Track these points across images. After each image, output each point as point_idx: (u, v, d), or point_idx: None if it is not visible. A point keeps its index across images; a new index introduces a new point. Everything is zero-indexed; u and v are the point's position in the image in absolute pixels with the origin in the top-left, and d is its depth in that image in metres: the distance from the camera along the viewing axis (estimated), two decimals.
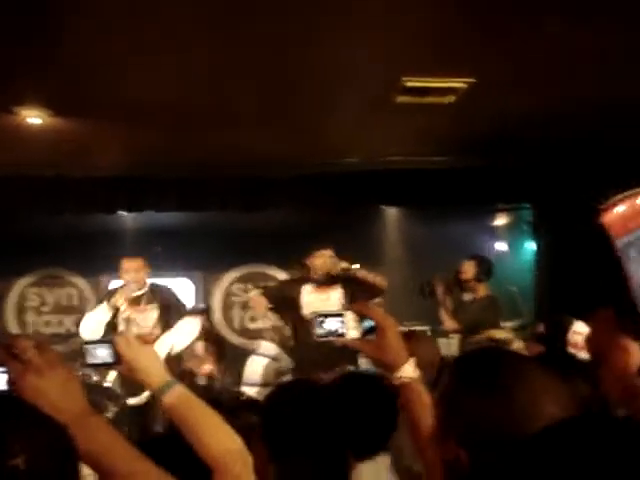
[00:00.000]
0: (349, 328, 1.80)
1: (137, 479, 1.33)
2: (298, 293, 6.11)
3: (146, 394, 5.43)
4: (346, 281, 5.92)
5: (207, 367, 7.11)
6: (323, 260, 6.00)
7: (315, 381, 3.25)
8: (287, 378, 6.19)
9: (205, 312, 7.45)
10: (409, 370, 1.77)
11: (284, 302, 6.15)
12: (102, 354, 1.78)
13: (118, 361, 1.74)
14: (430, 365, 3.40)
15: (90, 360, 1.80)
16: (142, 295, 5.97)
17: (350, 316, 1.80)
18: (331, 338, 1.81)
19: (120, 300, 5.83)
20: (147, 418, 5.62)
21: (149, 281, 6.18)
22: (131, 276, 5.93)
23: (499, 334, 5.55)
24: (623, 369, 2.42)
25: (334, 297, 5.90)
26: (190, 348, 6.87)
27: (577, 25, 4.17)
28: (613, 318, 2.52)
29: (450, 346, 7.10)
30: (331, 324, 1.80)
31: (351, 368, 5.44)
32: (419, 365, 2.93)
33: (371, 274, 5.99)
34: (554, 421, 1.29)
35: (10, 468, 0.96)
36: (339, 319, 1.80)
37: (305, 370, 5.69)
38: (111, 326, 5.81)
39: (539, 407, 1.31)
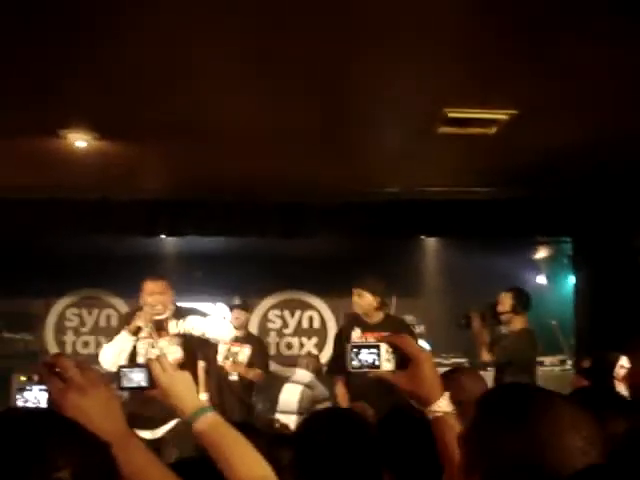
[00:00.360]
0: (384, 360, 1.77)
1: None
2: (349, 334, 6.01)
3: (162, 430, 5.22)
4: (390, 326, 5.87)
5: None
6: (361, 299, 5.91)
7: (350, 410, 3.24)
8: (323, 406, 6.18)
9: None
10: (443, 404, 1.76)
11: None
12: (137, 378, 1.79)
13: (153, 385, 1.75)
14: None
15: (125, 384, 1.81)
16: (166, 319, 5.41)
17: (385, 348, 1.78)
18: (365, 370, 1.78)
19: (141, 323, 5.34)
20: (159, 454, 5.51)
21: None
22: (155, 299, 5.36)
23: None
24: None
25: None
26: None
27: (617, 54, 4.14)
28: None
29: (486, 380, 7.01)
30: (365, 356, 1.78)
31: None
32: (466, 400, 2.89)
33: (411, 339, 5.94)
34: (580, 454, 1.28)
35: None
36: (374, 350, 1.77)
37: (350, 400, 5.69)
38: (133, 353, 5.37)
39: (563, 440, 1.31)
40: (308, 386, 7.91)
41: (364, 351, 1.78)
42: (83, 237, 7.91)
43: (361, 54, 4.19)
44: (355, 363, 1.78)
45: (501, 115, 5.14)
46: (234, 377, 7.11)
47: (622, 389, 3.50)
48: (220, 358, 6.99)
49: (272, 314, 10.06)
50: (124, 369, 1.82)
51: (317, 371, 8.06)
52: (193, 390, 1.76)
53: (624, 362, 3.56)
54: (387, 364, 1.77)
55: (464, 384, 2.68)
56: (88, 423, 1.27)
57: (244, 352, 7.18)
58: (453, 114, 5.08)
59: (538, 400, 1.41)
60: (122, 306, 9.73)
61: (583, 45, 4.05)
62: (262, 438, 2.63)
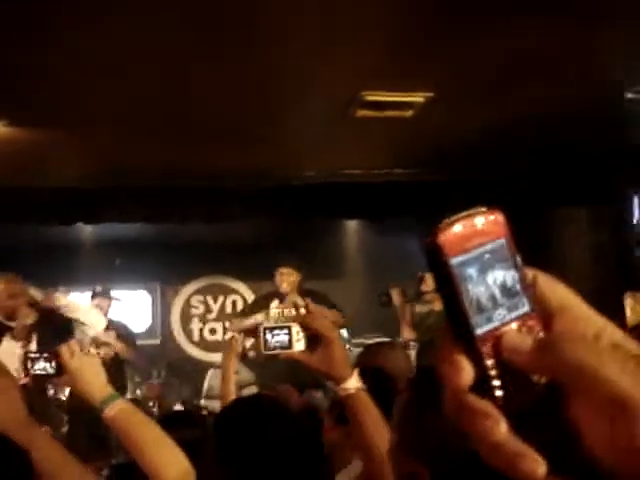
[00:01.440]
0: (295, 341, 1.78)
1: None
2: (268, 306, 6.22)
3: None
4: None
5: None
6: (286, 280, 6.10)
7: (274, 396, 3.25)
8: (248, 390, 6.19)
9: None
10: (354, 382, 1.77)
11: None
12: (43, 365, 1.74)
13: (60, 372, 1.70)
14: (404, 376, 3.41)
15: (34, 370, 1.76)
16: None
17: (295, 328, 1.79)
18: (278, 351, 1.79)
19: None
20: (106, 430, 5.51)
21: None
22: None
23: None
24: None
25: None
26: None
27: (525, 33, 4.23)
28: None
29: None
30: (278, 337, 1.79)
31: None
32: (393, 375, 2.93)
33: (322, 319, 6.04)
34: None
35: None
36: (285, 331, 1.78)
37: (266, 384, 5.71)
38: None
39: None
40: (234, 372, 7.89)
41: (276, 332, 1.79)
42: None
43: (279, 38, 4.18)
44: (268, 345, 1.79)
45: (417, 98, 5.21)
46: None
47: None
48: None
49: (195, 300, 10.00)
50: (31, 354, 1.76)
51: (241, 356, 8.04)
52: (102, 376, 1.72)
53: None
54: (298, 344, 1.78)
55: (390, 359, 2.72)
56: None
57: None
58: (370, 97, 5.12)
59: None
60: (38, 295, 9.51)
61: (496, 29, 4.13)
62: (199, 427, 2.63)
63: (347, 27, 4.07)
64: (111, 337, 6.91)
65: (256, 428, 2.01)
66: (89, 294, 7.22)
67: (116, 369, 6.83)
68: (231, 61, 4.50)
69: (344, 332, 7.92)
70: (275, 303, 6.20)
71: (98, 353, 6.76)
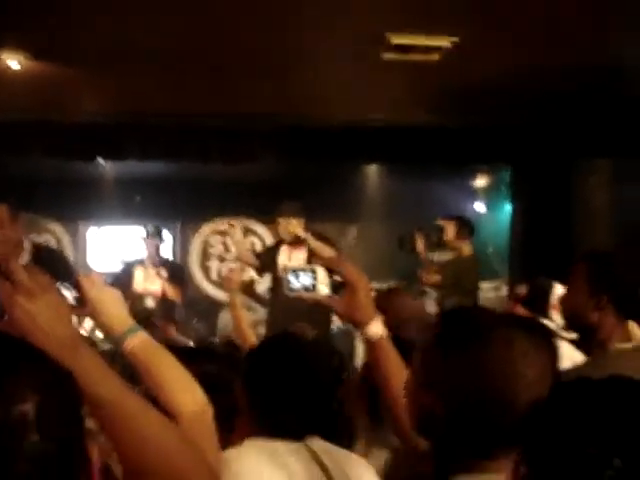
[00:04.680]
0: (320, 284, 1.78)
1: (123, 409, 1.30)
2: (277, 253, 6.34)
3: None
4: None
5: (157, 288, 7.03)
6: (284, 226, 6.22)
7: (292, 335, 3.29)
8: (261, 330, 6.25)
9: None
10: (377, 327, 1.78)
11: (270, 265, 6.33)
12: (65, 293, 1.67)
13: (80, 303, 1.67)
14: (415, 320, 3.43)
15: None
16: None
17: (321, 272, 1.79)
18: (302, 294, 1.80)
19: None
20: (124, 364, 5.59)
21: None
22: None
23: None
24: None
25: (300, 257, 6.14)
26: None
27: None
28: (586, 272, 2.56)
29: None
30: (302, 280, 1.79)
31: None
32: (400, 320, 2.96)
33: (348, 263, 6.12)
34: (526, 385, 1.33)
35: (18, 414, 0.92)
36: (310, 275, 1.78)
37: (280, 324, 5.77)
38: None
39: (517, 368, 1.33)
40: (248, 309, 7.95)
41: (301, 274, 1.79)
42: (17, 160, 7.71)
43: None
44: (292, 287, 1.80)
45: (444, 42, 5.13)
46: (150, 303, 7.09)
47: (557, 318, 3.61)
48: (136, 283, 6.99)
49: (213, 239, 10.05)
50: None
51: (257, 297, 8.10)
52: (123, 308, 1.69)
53: (559, 290, 3.65)
54: (323, 288, 1.79)
55: (397, 304, 2.74)
56: (37, 328, 1.24)
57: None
58: (396, 40, 5.05)
59: (496, 324, 1.42)
60: (61, 231, 9.61)
61: None
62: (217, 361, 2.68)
63: None
64: (163, 277, 6.98)
65: (284, 370, 2.06)
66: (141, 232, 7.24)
67: (165, 309, 6.96)
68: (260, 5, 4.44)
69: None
70: (284, 248, 6.32)
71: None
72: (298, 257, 6.18)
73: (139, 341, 1.64)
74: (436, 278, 6.68)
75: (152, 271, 7.02)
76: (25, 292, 1.28)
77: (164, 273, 7.01)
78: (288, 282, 1.80)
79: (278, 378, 2.06)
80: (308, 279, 1.78)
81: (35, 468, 0.91)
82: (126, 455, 1.30)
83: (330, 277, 1.79)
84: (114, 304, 1.68)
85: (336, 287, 1.79)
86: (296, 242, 6.22)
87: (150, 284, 7.04)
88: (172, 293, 7.01)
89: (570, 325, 2.84)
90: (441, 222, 6.87)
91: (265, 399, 2.05)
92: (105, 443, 1.13)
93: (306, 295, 1.81)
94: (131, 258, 7.37)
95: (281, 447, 1.96)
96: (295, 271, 1.80)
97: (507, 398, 1.32)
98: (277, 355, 2.15)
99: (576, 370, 2.64)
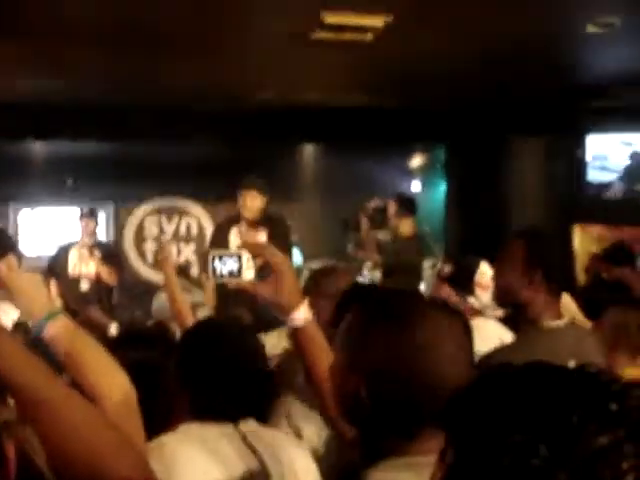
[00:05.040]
0: (245, 269, 1.76)
1: (46, 396, 1.26)
2: (228, 233, 5.96)
3: None
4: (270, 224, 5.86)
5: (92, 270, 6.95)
6: (252, 201, 5.79)
7: (228, 320, 3.29)
8: (201, 312, 6.22)
9: None
10: (303, 312, 1.76)
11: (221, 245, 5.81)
12: None
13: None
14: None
15: None
16: None
17: (246, 257, 1.77)
18: (227, 279, 1.78)
19: None
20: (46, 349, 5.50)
21: None
22: None
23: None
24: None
25: (261, 239, 5.71)
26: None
27: None
28: (520, 249, 2.59)
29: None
30: (228, 265, 1.76)
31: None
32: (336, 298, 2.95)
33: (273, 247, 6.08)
34: (450, 363, 1.34)
35: None
36: (235, 259, 1.76)
37: (218, 306, 5.70)
38: None
39: (440, 346, 1.35)
40: (185, 291, 7.89)
41: (226, 260, 1.77)
42: None
43: None
44: (217, 272, 1.77)
45: (377, 22, 5.13)
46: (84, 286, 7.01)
47: (482, 296, 3.66)
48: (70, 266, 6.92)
49: (149, 220, 9.92)
50: None
51: (194, 279, 8.05)
52: (44, 293, 1.65)
53: (484, 269, 3.70)
54: (248, 273, 1.77)
55: (338, 284, 2.73)
56: None
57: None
58: (330, 19, 5.03)
59: (417, 306, 1.44)
60: None
61: None
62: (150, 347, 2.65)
63: None
64: (96, 260, 6.88)
65: (217, 353, 2.05)
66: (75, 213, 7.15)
67: (99, 293, 6.85)
68: None
69: (298, 256, 7.96)
70: (234, 231, 5.92)
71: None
72: (257, 238, 5.72)
73: (60, 326, 1.60)
74: (375, 257, 6.72)
75: (86, 253, 6.94)
76: None
77: (98, 254, 6.92)
78: (214, 268, 1.77)
79: (209, 360, 2.05)
80: (233, 264, 1.76)
81: None
82: (51, 443, 1.26)
83: (254, 261, 1.76)
84: (34, 288, 1.63)
85: (261, 271, 1.77)
86: (256, 221, 5.83)
87: (85, 267, 6.95)
88: (107, 275, 6.93)
89: (501, 302, 2.87)
90: (382, 201, 6.91)
91: (196, 381, 2.04)
92: (23, 432, 1.09)
93: (231, 280, 1.78)
94: (66, 240, 7.26)
95: (213, 431, 1.96)
96: (220, 256, 1.77)
97: (429, 378, 1.33)
98: (209, 337, 2.14)
99: (506, 348, 2.68)
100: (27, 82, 6.66)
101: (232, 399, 2.02)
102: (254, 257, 1.76)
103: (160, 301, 7.68)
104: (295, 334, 1.79)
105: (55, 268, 6.88)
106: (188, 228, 9.96)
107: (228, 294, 5.32)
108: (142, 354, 2.53)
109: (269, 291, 1.75)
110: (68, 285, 6.72)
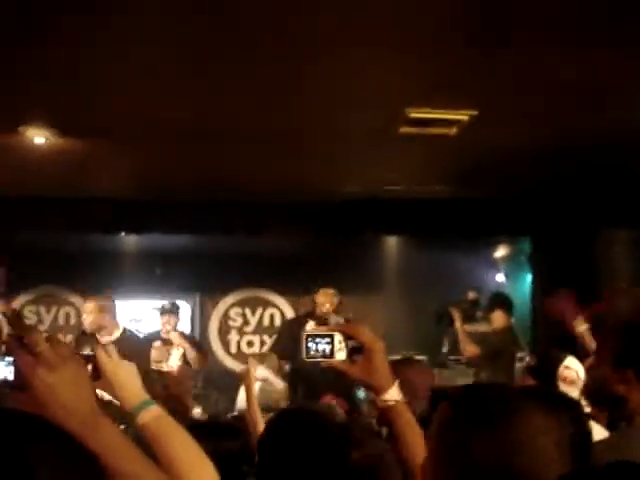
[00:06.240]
0: (337, 350, 1.78)
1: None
2: (302, 328, 6.19)
3: None
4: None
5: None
6: (327, 299, 6.15)
7: (316, 409, 3.26)
8: (283, 403, 6.20)
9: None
10: (394, 393, 1.77)
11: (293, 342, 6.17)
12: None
13: (96, 376, 1.67)
14: (423, 393, 3.41)
15: None
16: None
17: (338, 337, 1.79)
18: (319, 359, 1.79)
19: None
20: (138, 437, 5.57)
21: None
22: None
23: None
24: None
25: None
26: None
27: (575, 57, 4.22)
28: (611, 345, 2.51)
29: (456, 376, 7.20)
30: (320, 345, 1.78)
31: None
32: (414, 391, 2.92)
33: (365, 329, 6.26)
34: (550, 460, 1.31)
35: None
36: (327, 340, 1.78)
37: (300, 396, 5.73)
38: None
39: (536, 442, 1.32)
40: (267, 381, 7.88)
41: (318, 340, 1.78)
42: (43, 235, 7.82)
43: (322, 53, 4.20)
44: (310, 352, 1.79)
45: (462, 116, 5.19)
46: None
47: (565, 389, 3.55)
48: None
49: (233, 312, 10.03)
50: None
51: (276, 369, 8.04)
52: (138, 381, 1.70)
53: (568, 362, 3.62)
54: (340, 354, 1.78)
55: (412, 375, 2.71)
56: (57, 402, 1.23)
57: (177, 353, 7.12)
58: (415, 114, 5.12)
59: (510, 402, 1.40)
60: (81, 303, 9.63)
61: (537, 50, 4.12)
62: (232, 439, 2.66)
63: (394, 43, 4.08)
64: (188, 346, 6.95)
65: (295, 450, 2.03)
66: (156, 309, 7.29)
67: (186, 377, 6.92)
68: (277, 76, 4.53)
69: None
70: (311, 324, 6.22)
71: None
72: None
73: (152, 415, 1.63)
74: (474, 350, 6.68)
75: (165, 348, 7.00)
76: (46, 364, 1.26)
77: (185, 341, 6.98)
78: (306, 348, 1.79)
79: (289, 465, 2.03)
80: (325, 345, 1.78)
81: None
82: None
83: (346, 342, 1.78)
84: (129, 377, 1.68)
85: (353, 353, 1.78)
86: (324, 320, 6.16)
87: (165, 361, 7.01)
88: (196, 361, 6.97)
89: (594, 396, 2.79)
90: (473, 295, 6.96)
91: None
92: None
93: (323, 361, 1.80)
94: (149, 332, 7.37)
95: None
96: (312, 336, 1.79)
97: (528, 475, 1.30)
98: (287, 440, 2.12)
99: (601, 445, 2.58)
100: (118, 178, 6.94)
101: None
102: (347, 338, 1.77)
103: (243, 393, 7.70)
104: (387, 414, 1.78)
105: (137, 358, 6.95)
106: (272, 319, 10.03)
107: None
108: (226, 445, 2.52)
109: (360, 372, 1.76)
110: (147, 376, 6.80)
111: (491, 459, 1.33)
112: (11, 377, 1.61)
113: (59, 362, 1.27)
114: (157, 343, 6.93)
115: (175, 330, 7.11)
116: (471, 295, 6.97)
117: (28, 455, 0.91)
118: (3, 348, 1.64)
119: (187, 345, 6.93)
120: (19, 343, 1.30)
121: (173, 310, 7.21)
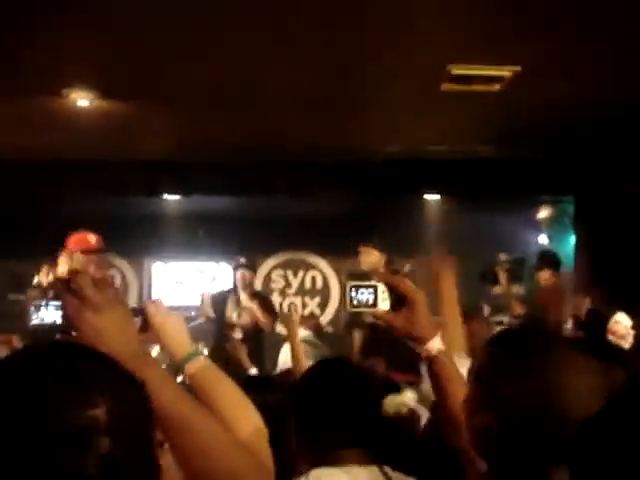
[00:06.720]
0: (380, 299, 1.80)
1: (192, 423, 1.31)
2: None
3: None
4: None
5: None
6: (368, 257, 6.11)
7: (348, 360, 3.31)
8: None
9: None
10: (437, 342, 1.80)
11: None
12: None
13: (144, 328, 1.70)
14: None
15: None
16: None
17: (381, 288, 1.81)
18: (363, 309, 1.81)
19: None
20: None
21: None
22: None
23: None
24: None
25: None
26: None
27: (623, 8, 4.14)
28: None
29: None
30: (363, 295, 1.80)
31: None
32: (477, 346, 2.94)
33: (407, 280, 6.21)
34: (585, 399, 1.32)
35: (89, 418, 0.92)
36: (371, 290, 1.80)
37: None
38: None
39: (573, 384, 1.36)
40: (309, 344, 7.95)
41: (362, 291, 1.81)
42: (86, 198, 7.91)
43: (363, 10, 4.17)
44: (354, 302, 1.81)
45: (505, 72, 5.12)
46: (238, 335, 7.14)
47: (615, 342, 3.54)
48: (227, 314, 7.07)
49: (275, 274, 10.10)
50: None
51: (318, 331, 8.09)
52: (185, 333, 1.72)
53: (619, 317, 3.59)
54: (383, 304, 1.80)
55: (475, 330, 2.74)
56: (103, 343, 1.25)
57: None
58: (457, 71, 5.06)
59: (548, 345, 1.44)
60: (125, 267, 9.77)
61: (584, 7, 4.05)
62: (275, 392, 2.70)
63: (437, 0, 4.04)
64: (255, 307, 7.02)
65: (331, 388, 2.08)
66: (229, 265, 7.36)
67: (254, 340, 7.01)
68: (315, 34, 4.51)
69: None
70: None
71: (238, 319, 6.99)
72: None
73: (199, 366, 1.65)
74: (519, 310, 6.68)
75: (243, 303, 7.07)
76: (92, 307, 1.30)
77: (256, 303, 7.06)
78: (350, 297, 1.81)
79: (323, 403, 2.10)
80: (368, 295, 1.80)
81: (105, 473, 0.91)
82: (189, 466, 1.33)
83: (389, 293, 1.80)
84: (177, 329, 1.70)
85: (396, 304, 1.80)
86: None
87: (240, 316, 7.10)
88: (265, 322, 7.05)
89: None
90: (523, 256, 6.94)
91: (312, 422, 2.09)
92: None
93: (366, 310, 1.81)
94: (220, 289, 7.43)
95: (361, 474, 1.97)
96: (356, 287, 1.81)
97: (562, 415, 1.34)
98: (320, 382, 2.19)
99: None
100: (161, 140, 6.99)
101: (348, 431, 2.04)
102: (389, 289, 1.79)
103: (285, 352, 7.79)
104: (431, 364, 1.81)
105: (215, 310, 7.04)
106: (313, 282, 10.08)
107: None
108: (268, 397, 2.57)
109: (403, 322, 1.78)
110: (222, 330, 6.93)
111: (525, 398, 1.37)
112: (60, 320, 1.66)
113: (105, 305, 1.31)
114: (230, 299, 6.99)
115: (250, 286, 7.15)
116: (514, 255, 6.94)
117: (91, 386, 0.95)
118: (52, 292, 1.69)
119: (255, 308, 6.98)
120: (66, 287, 1.34)
121: (248, 265, 7.24)
